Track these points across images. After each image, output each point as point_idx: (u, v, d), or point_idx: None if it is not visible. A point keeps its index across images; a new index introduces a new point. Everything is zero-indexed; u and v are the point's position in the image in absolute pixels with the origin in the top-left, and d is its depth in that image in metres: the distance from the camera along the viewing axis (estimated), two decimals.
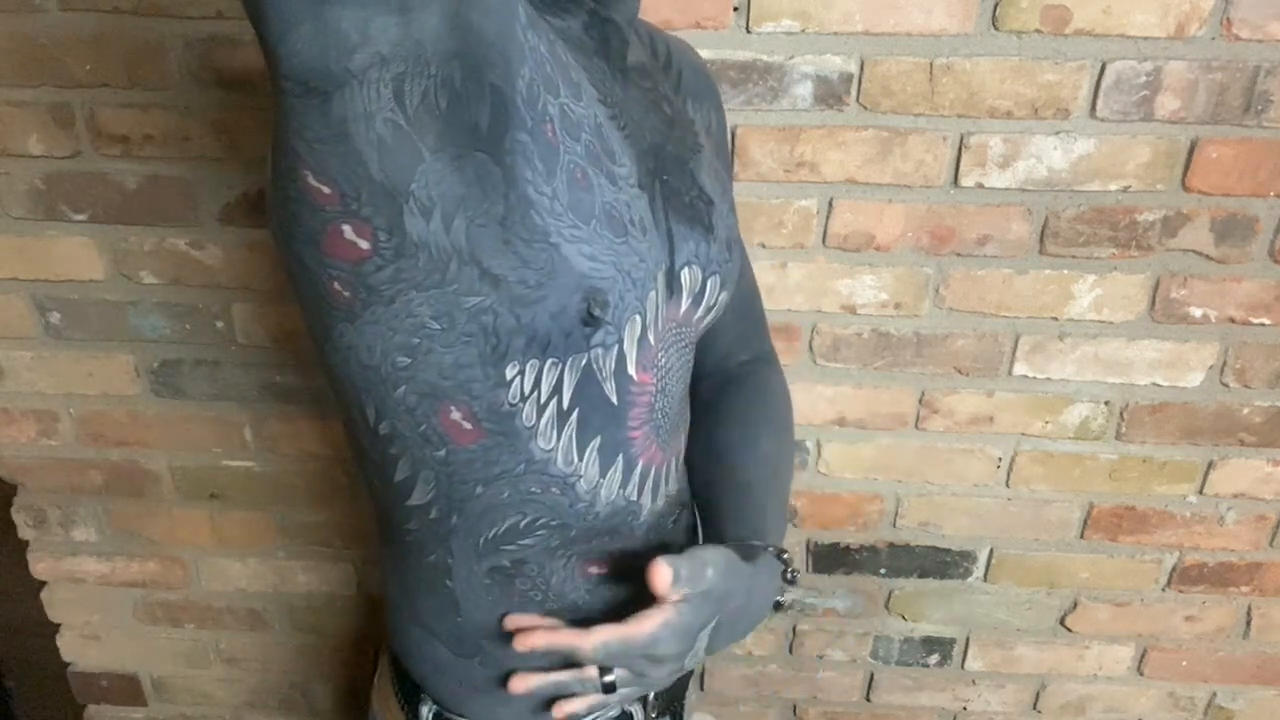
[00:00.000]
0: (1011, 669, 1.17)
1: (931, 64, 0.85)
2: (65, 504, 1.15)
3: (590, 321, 0.49)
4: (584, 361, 0.51)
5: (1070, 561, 1.09)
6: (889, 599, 1.13)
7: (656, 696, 0.67)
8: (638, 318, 0.52)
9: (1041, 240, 0.92)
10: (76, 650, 1.26)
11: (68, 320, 1.03)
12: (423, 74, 0.43)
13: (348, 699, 1.28)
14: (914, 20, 0.84)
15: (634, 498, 0.58)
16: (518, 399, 0.50)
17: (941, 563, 1.10)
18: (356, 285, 0.47)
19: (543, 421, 0.52)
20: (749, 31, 0.85)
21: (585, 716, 0.62)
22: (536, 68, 0.47)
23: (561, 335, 0.49)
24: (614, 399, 0.53)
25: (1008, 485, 1.05)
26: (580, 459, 0.54)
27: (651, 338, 0.54)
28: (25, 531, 1.17)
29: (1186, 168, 0.88)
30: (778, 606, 0.60)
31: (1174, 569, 1.09)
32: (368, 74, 0.42)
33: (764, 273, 0.95)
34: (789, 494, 0.70)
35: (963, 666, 1.17)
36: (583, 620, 0.55)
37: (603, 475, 0.55)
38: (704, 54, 0.85)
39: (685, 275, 0.57)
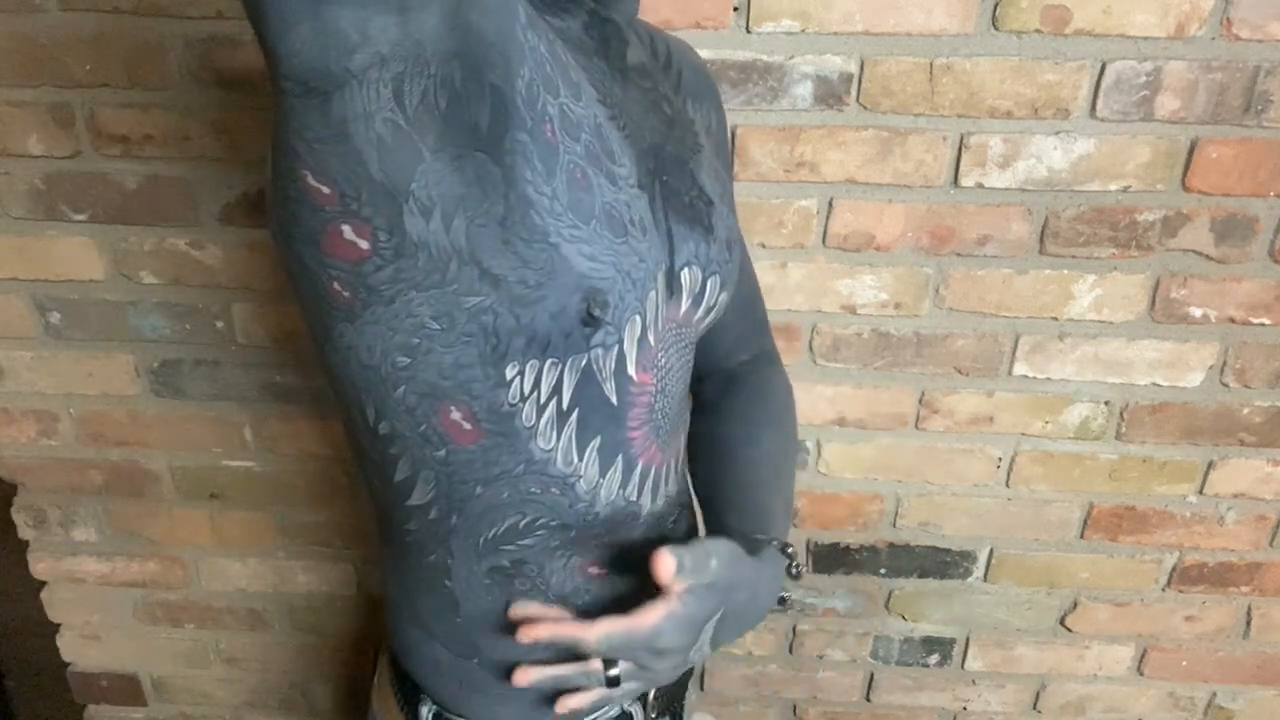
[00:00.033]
0: (1011, 669, 1.17)
1: (931, 64, 0.85)
2: (65, 504, 1.15)
3: (590, 322, 0.49)
4: (584, 362, 0.51)
5: (1070, 561, 1.09)
6: (889, 599, 1.13)
7: (656, 697, 0.67)
8: (638, 318, 0.52)
9: (1041, 240, 0.92)
10: (76, 650, 1.26)
11: (68, 320, 1.03)
12: (422, 74, 0.43)
13: (348, 699, 1.28)
14: (914, 20, 0.84)
15: (634, 498, 0.58)
16: (517, 399, 0.50)
17: (941, 563, 1.10)
18: (356, 285, 0.47)
19: (542, 422, 0.52)
20: (749, 31, 0.85)
21: (586, 717, 0.62)
22: (536, 68, 0.47)
23: (561, 335, 0.49)
24: (614, 399, 0.53)
25: (1008, 485, 1.05)
26: (580, 459, 0.54)
27: (651, 338, 0.54)
28: (25, 531, 1.17)
29: (1186, 168, 0.88)
30: (782, 602, 0.60)
31: (1174, 569, 1.09)
32: (367, 74, 0.42)
33: (764, 273, 0.95)
34: (793, 492, 0.69)
35: (963, 666, 1.17)
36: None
37: (602, 475, 0.55)
38: (704, 54, 0.85)
39: (685, 276, 0.56)
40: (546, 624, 0.53)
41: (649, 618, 0.50)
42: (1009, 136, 0.88)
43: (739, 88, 0.87)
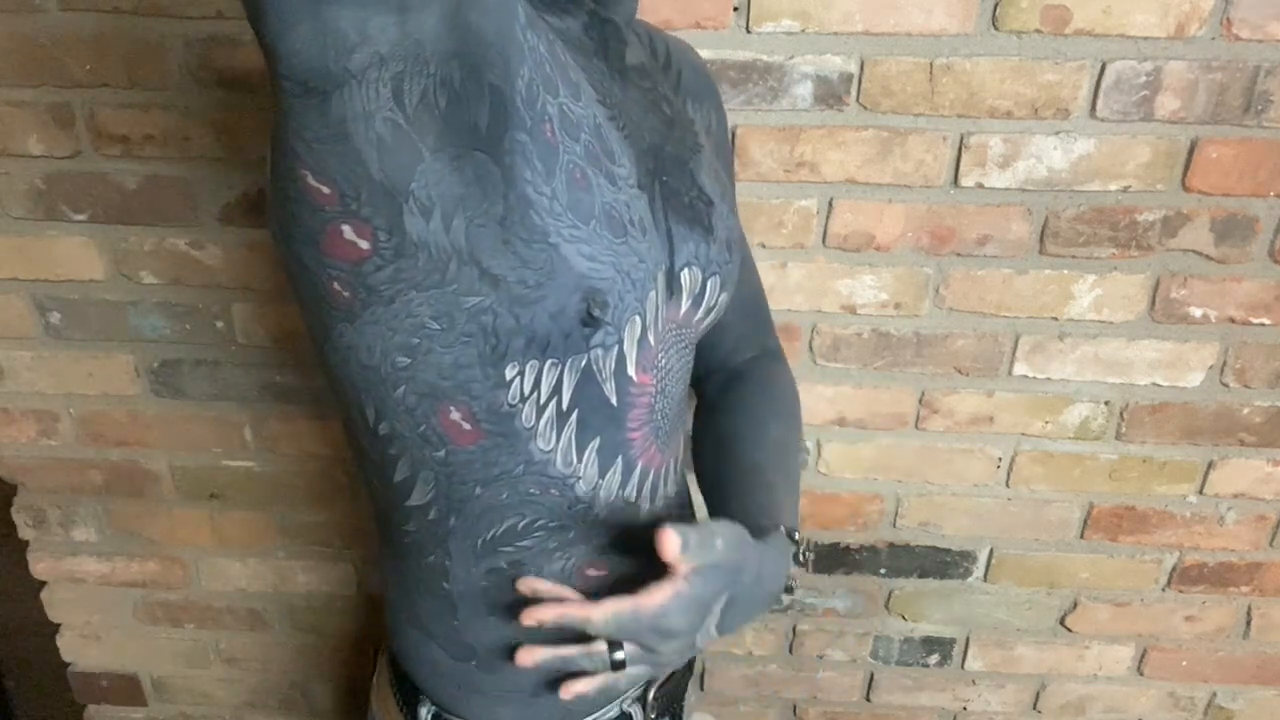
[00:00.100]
0: (1011, 669, 1.17)
1: (931, 64, 0.85)
2: (65, 504, 1.15)
3: (590, 322, 0.49)
4: (584, 362, 0.51)
5: (1070, 561, 1.09)
6: (889, 599, 1.13)
7: (656, 697, 0.67)
8: (637, 318, 0.52)
9: (1041, 240, 0.92)
10: (76, 650, 1.26)
11: (68, 320, 1.03)
12: (422, 73, 0.43)
13: (348, 699, 1.28)
14: (914, 20, 0.84)
15: (633, 499, 0.58)
16: (517, 400, 0.50)
17: (941, 563, 1.10)
18: (356, 285, 0.47)
19: (542, 422, 0.52)
20: (749, 31, 0.85)
21: (586, 718, 0.62)
22: (535, 68, 0.47)
23: (561, 336, 0.49)
24: (614, 400, 0.53)
25: (1008, 485, 1.05)
26: (579, 460, 0.54)
27: (651, 339, 0.54)
28: (25, 531, 1.17)
29: (1186, 168, 0.88)
30: (789, 590, 0.59)
31: (1174, 569, 1.09)
32: (367, 74, 0.42)
33: (764, 273, 0.95)
34: (799, 482, 0.68)
35: (963, 666, 1.17)
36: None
37: (601, 476, 0.55)
38: (704, 54, 0.85)
39: (685, 276, 0.56)
40: (551, 606, 0.51)
41: (655, 597, 0.49)
42: (1009, 136, 0.88)
43: (739, 88, 0.87)
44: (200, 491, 1.13)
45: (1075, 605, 1.12)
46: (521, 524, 0.55)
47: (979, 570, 1.11)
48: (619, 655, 0.52)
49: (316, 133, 0.44)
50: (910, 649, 1.16)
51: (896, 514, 1.08)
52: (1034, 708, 1.20)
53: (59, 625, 1.24)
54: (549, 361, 0.50)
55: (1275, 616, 1.11)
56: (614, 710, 0.64)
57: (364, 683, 1.26)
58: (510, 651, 0.58)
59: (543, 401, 0.51)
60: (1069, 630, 1.13)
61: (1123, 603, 1.11)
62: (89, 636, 1.25)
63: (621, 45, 0.58)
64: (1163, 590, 1.10)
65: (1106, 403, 1.00)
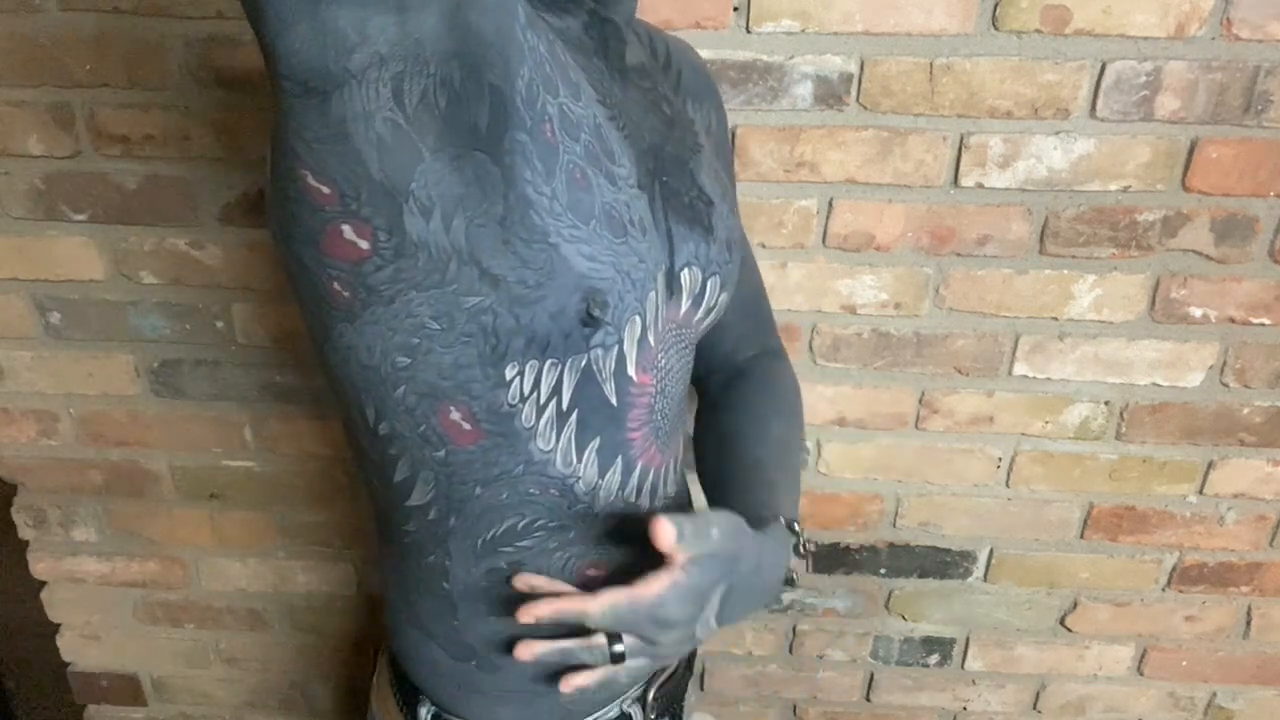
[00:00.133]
0: (1011, 669, 1.17)
1: (931, 64, 0.85)
2: (65, 504, 1.15)
3: (589, 322, 0.49)
4: (583, 362, 0.51)
5: (1070, 561, 1.09)
6: (889, 599, 1.13)
7: (656, 697, 0.67)
8: (637, 318, 0.52)
9: (1041, 240, 0.92)
10: (76, 650, 1.26)
11: (68, 320, 1.03)
12: (421, 73, 0.43)
13: (348, 699, 1.28)
14: (914, 20, 0.84)
15: (632, 500, 0.58)
16: (517, 400, 0.50)
17: (941, 563, 1.10)
18: (356, 285, 0.47)
19: (542, 422, 0.52)
20: (749, 31, 0.85)
21: (587, 717, 0.62)
22: (535, 68, 0.47)
23: (561, 336, 0.49)
24: (614, 400, 0.53)
25: (1008, 485, 1.05)
26: (579, 460, 0.54)
27: (651, 339, 0.54)
28: (25, 531, 1.17)
29: (1186, 168, 0.88)
30: (790, 582, 0.59)
31: (1174, 569, 1.09)
32: (366, 73, 0.42)
33: (764, 273, 0.95)
34: (800, 479, 0.68)
35: (963, 666, 1.17)
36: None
37: (601, 477, 0.55)
38: (704, 54, 0.85)
39: (685, 276, 0.56)
40: (548, 601, 0.51)
41: (653, 587, 0.49)
42: (1009, 136, 0.88)
43: (739, 88, 0.87)
44: (200, 491, 1.13)
45: (1075, 605, 1.12)
46: (521, 524, 0.55)
47: (979, 570, 1.11)
48: (618, 647, 0.52)
49: (316, 133, 0.44)
50: (910, 649, 1.16)
51: (896, 514, 1.08)
52: (1034, 708, 1.20)
53: (59, 625, 1.24)
54: (549, 361, 0.50)
55: (1275, 616, 1.11)
56: (614, 710, 0.64)
57: (364, 683, 1.26)
58: (510, 651, 0.58)
59: (543, 401, 0.51)
60: (1069, 630, 1.13)
61: (1123, 603, 1.11)
62: (89, 636, 1.25)
63: (621, 45, 0.58)
64: (1163, 590, 1.10)
65: (1106, 403, 1.00)
